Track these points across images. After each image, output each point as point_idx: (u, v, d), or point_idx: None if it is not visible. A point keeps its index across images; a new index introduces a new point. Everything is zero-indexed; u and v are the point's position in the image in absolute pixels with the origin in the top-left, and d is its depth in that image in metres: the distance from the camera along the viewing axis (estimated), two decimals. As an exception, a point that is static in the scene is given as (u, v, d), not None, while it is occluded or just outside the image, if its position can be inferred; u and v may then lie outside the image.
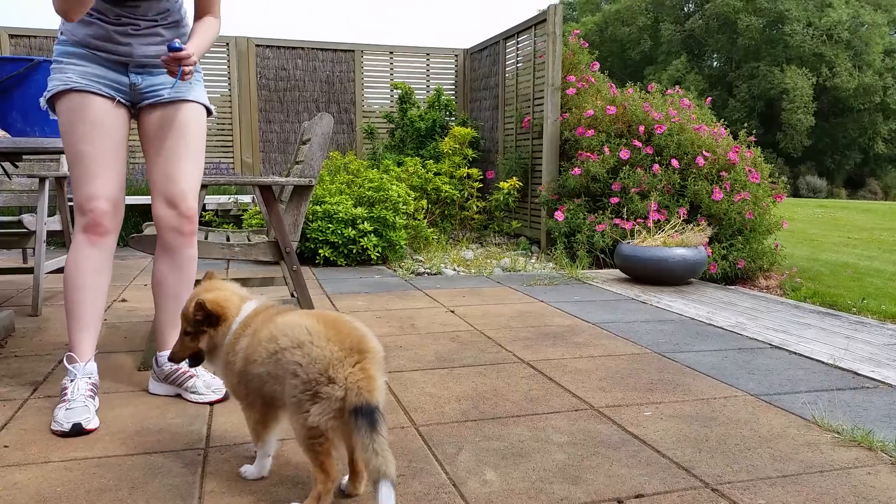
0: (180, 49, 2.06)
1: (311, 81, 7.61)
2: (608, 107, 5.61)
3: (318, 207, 5.18)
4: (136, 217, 6.64)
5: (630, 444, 1.92)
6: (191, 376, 2.25)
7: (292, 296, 3.06)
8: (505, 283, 4.53)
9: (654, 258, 4.46)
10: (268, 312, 1.64)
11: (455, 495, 1.61)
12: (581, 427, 2.04)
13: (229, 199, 6.57)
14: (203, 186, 2.66)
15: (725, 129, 5.60)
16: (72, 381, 2.13)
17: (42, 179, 3.63)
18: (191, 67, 2.10)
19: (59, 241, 5.94)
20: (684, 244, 4.50)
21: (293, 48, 7.52)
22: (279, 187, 3.29)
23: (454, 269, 5.11)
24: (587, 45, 6.20)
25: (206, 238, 2.89)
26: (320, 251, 5.17)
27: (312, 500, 1.45)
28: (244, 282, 3.35)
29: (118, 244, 7.01)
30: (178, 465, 1.76)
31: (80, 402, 2.10)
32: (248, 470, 1.69)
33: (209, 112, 2.37)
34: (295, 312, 1.59)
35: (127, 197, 6.96)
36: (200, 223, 5.79)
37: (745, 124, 5.94)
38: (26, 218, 3.66)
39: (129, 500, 1.57)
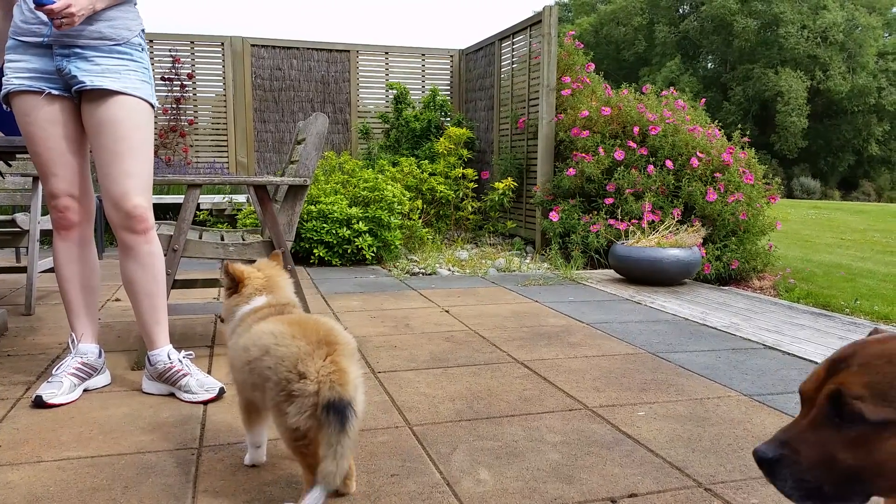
0: (44, 4, 1.92)
1: (306, 81, 7.60)
2: (603, 108, 5.62)
3: (312, 207, 5.18)
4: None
5: (624, 444, 1.92)
6: (184, 375, 2.25)
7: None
8: (500, 284, 4.53)
9: (648, 259, 4.47)
10: (256, 315, 1.64)
11: (449, 495, 1.61)
12: (575, 427, 2.04)
13: (224, 198, 6.56)
14: (196, 186, 2.66)
15: (720, 130, 5.63)
16: (69, 357, 2.25)
17: (36, 178, 3.62)
18: (66, 20, 1.97)
19: (52, 240, 5.91)
20: (678, 245, 4.52)
21: (288, 48, 7.51)
22: (274, 187, 3.28)
23: (449, 270, 5.11)
24: (582, 45, 6.22)
25: (200, 237, 2.88)
26: (315, 251, 5.16)
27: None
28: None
29: (110, 244, 6.95)
30: (172, 464, 1.75)
31: (58, 377, 2.21)
32: (245, 457, 1.75)
33: (151, 104, 2.22)
34: (269, 320, 1.58)
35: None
36: (195, 222, 5.77)
37: (740, 126, 5.96)
38: (20, 217, 3.64)
39: (122, 500, 1.56)
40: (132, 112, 2.16)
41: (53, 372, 2.25)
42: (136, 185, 2.18)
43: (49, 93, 2.12)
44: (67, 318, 2.33)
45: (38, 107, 2.12)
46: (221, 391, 2.23)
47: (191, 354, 2.37)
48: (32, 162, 2.24)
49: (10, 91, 2.12)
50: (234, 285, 1.72)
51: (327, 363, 1.40)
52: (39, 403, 2.12)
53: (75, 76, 2.10)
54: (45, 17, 2.05)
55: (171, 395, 2.26)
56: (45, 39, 2.08)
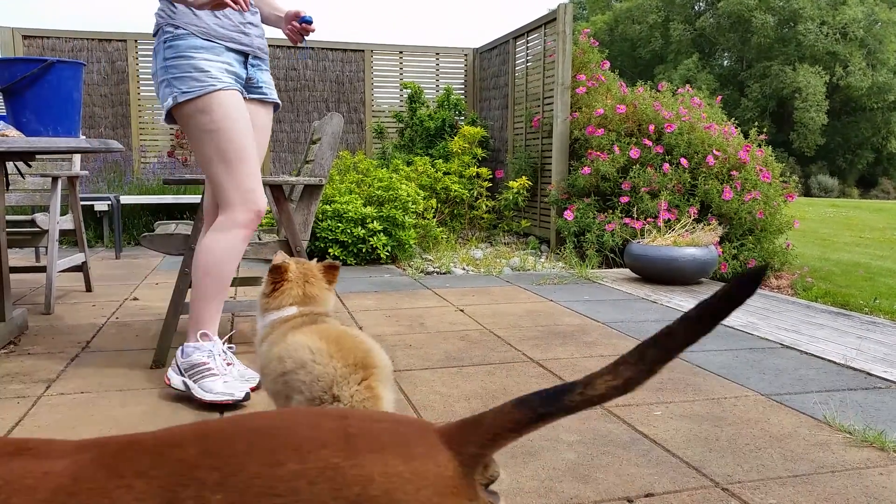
0: (311, 21, 2.20)
1: (321, 81, 7.63)
2: (618, 106, 5.59)
3: (327, 207, 5.20)
4: (147, 216, 6.68)
5: (640, 444, 1.91)
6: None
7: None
8: (514, 283, 4.52)
9: (664, 258, 4.44)
10: (291, 323, 1.61)
11: (464, 493, 1.61)
12: (591, 426, 2.04)
13: (240, 198, 6.60)
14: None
15: (736, 128, 5.58)
16: (209, 356, 2.26)
17: (55, 178, 3.66)
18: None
19: (71, 239, 5.99)
20: (695, 244, 4.49)
21: (303, 48, 7.53)
22: (290, 186, 3.30)
23: (463, 269, 5.11)
24: (597, 43, 6.19)
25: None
26: (330, 250, 5.18)
27: None
28: (254, 281, 3.36)
29: (129, 243, 7.00)
30: (190, 462, 1.76)
31: (229, 374, 2.29)
32: None
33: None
34: (303, 330, 1.55)
35: (139, 197, 6.96)
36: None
37: (757, 123, 5.91)
38: (39, 217, 3.69)
39: (140, 497, 1.58)
40: (271, 121, 2.45)
41: (218, 370, 2.25)
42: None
43: (247, 98, 2.29)
44: (211, 311, 2.27)
45: (245, 105, 2.25)
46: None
47: (232, 347, 2.46)
48: (230, 160, 2.17)
49: (222, 88, 2.16)
50: (275, 286, 1.68)
51: (362, 388, 1.37)
52: (248, 397, 2.20)
53: (261, 87, 2.32)
54: (244, 28, 2.23)
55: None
56: (248, 50, 2.27)
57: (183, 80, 2.14)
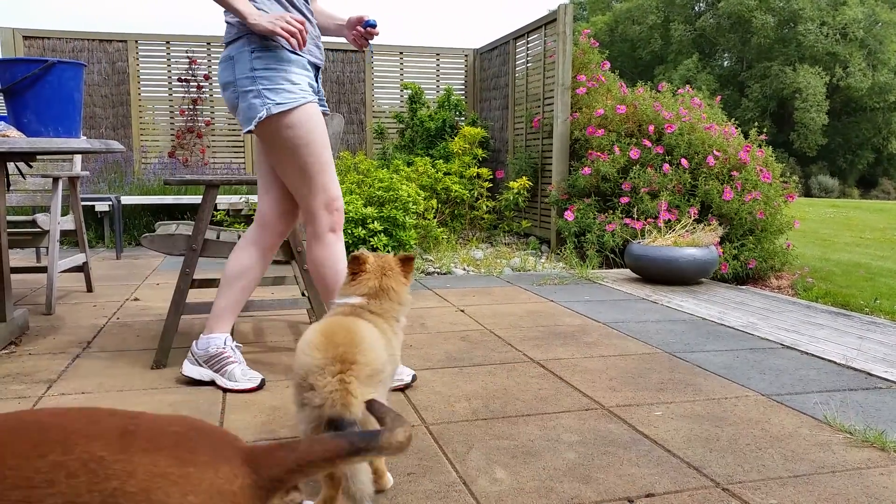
0: (376, 24, 2.23)
1: (321, 82, 7.62)
2: (618, 106, 5.59)
3: (328, 207, 5.20)
4: (148, 217, 6.68)
5: (641, 444, 1.91)
6: (232, 362, 2.32)
7: (303, 295, 3.07)
8: (515, 283, 4.53)
9: (664, 258, 4.44)
10: (332, 312, 1.65)
11: (465, 493, 1.61)
12: (591, 426, 2.04)
13: (241, 199, 6.60)
14: (214, 186, 2.68)
15: (736, 128, 5.58)
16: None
17: (56, 179, 3.66)
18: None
19: (72, 240, 5.99)
20: (695, 244, 4.49)
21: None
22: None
23: (464, 269, 5.11)
24: (597, 44, 6.19)
25: (217, 238, 2.90)
26: (330, 251, 5.18)
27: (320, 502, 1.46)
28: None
29: (130, 244, 6.99)
30: (191, 462, 1.76)
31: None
32: None
33: None
34: (320, 322, 1.57)
35: (140, 197, 6.94)
36: (211, 223, 5.81)
37: (757, 124, 5.91)
38: (40, 217, 3.69)
39: (141, 497, 1.58)
40: None
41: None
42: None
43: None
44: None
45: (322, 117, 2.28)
46: (262, 382, 2.34)
47: (240, 346, 2.47)
48: (314, 171, 2.21)
49: (311, 101, 2.19)
50: (353, 276, 1.70)
51: (335, 381, 1.37)
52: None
53: (322, 99, 2.34)
54: (317, 42, 2.27)
55: (212, 382, 2.34)
56: (319, 62, 2.31)
57: (277, 92, 2.12)
